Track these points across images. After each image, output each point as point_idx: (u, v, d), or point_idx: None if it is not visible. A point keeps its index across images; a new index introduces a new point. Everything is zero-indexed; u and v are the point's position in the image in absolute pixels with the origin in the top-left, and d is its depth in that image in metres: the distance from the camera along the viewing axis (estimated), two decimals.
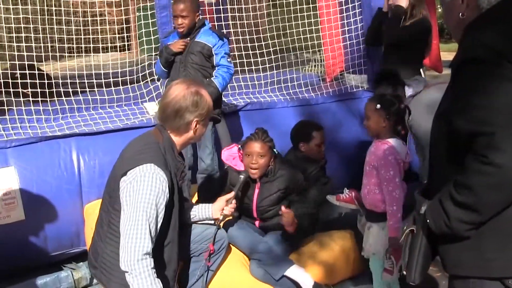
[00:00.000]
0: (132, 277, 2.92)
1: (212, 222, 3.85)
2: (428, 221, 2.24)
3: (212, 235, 3.77)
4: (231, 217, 4.17)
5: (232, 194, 3.92)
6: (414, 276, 2.38)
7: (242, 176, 4.07)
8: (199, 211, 3.86)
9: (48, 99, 5.11)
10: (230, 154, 4.34)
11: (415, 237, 2.37)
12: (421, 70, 6.27)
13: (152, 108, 5.29)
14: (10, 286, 4.31)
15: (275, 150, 4.23)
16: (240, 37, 6.02)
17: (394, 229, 3.59)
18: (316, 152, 4.79)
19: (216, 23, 6.05)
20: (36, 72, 5.11)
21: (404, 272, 2.45)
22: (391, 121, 3.78)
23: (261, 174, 4.14)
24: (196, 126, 3.27)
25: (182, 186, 3.60)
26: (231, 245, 4.19)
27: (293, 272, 3.98)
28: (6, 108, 4.87)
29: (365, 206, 3.90)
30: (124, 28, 6.89)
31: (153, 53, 5.70)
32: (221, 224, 3.94)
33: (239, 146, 4.27)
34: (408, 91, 4.84)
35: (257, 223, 4.35)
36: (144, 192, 2.98)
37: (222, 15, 6.32)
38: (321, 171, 4.85)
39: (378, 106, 3.77)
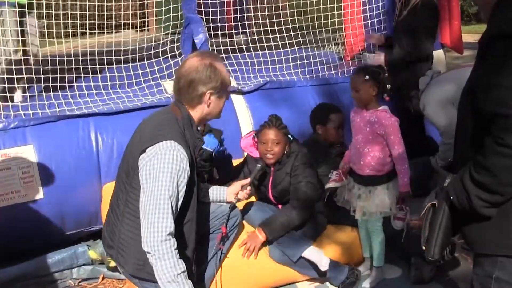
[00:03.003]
0: (155, 258, 2.90)
1: (226, 204, 3.86)
2: (451, 197, 2.23)
3: (226, 214, 3.76)
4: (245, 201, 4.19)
5: (248, 180, 3.93)
6: (433, 251, 2.36)
7: (259, 165, 4.06)
8: (214, 192, 3.87)
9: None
10: (248, 142, 4.32)
11: (437, 212, 2.36)
12: (441, 50, 6.24)
13: (170, 86, 5.25)
14: (28, 261, 4.36)
15: (289, 136, 4.21)
16: (259, 13, 5.96)
17: (407, 184, 3.97)
18: (334, 136, 4.73)
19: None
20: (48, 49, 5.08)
21: (423, 247, 2.43)
22: (379, 90, 4.04)
23: (276, 161, 4.13)
24: (209, 98, 3.23)
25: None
26: (249, 226, 4.22)
27: (310, 252, 3.97)
28: (26, 86, 4.85)
29: (362, 175, 4.08)
30: (145, 4, 6.81)
31: (171, 30, 5.64)
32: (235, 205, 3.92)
33: (254, 134, 4.26)
34: (420, 86, 4.98)
35: (279, 206, 4.35)
36: (165, 170, 2.95)
37: None
38: (341, 157, 4.80)
39: (367, 77, 4.01)
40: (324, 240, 4.32)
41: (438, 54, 5.99)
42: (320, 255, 4.00)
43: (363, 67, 4.33)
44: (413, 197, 4.29)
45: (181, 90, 3.22)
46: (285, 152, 4.15)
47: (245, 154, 4.51)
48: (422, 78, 5.00)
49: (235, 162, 4.71)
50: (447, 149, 4.72)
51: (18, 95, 4.98)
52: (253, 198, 4.45)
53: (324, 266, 3.97)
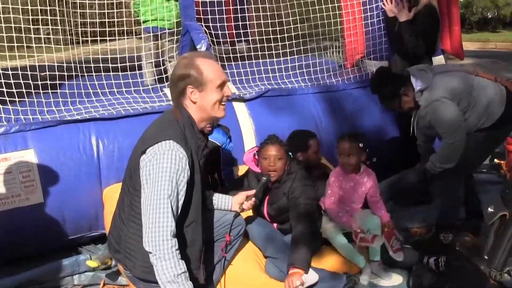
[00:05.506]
0: (156, 258, 2.92)
1: (230, 213, 3.86)
2: None
3: (230, 222, 3.75)
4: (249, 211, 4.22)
5: (253, 191, 3.94)
6: (498, 262, 2.26)
7: (264, 178, 4.06)
8: (219, 201, 3.87)
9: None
10: (250, 157, 4.34)
11: (509, 223, 2.24)
12: (442, 56, 6.24)
13: None
14: (29, 270, 4.36)
15: (290, 153, 4.23)
16: (262, 21, 5.96)
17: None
18: (315, 160, 4.74)
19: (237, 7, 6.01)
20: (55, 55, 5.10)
21: (486, 257, 2.33)
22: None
23: (278, 177, 4.13)
24: (191, 93, 3.20)
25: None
26: (250, 241, 4.22)
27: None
28: (25, 91, 4.85)
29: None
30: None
31: (175, 37, 5.66)
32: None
33: (255, 152, 4.28)
34: (417, 84, 4.67)
35: (275, 225, 4.35)
36: (164, 169, 2.97)
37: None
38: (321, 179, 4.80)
39: (361, 144, 4.34)
40: (323, 250, 4.31)
41: (439, 60, 5.99)
42: (312, 278, 3.95)
43: (351, 133, 4.54)
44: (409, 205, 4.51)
45: (170, 91, 3.29)
46: (286, 170, 4.16)
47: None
48: (422, 74, 4.66)
49: (240, 167, 4.74)
50: (452, 149, 4.59)
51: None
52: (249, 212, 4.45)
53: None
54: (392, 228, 4.36)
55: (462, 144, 4.42)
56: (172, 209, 2.97)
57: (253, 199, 3.90)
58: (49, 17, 5.06)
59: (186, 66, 3.20)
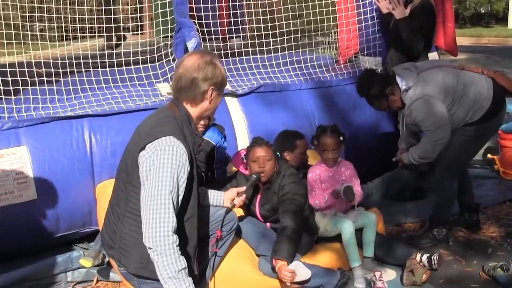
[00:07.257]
0: (156, 254, 2.92)
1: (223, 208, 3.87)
2: None
3: (221, 218, 3.76)
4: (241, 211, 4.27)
5: (244, 188, 3.97)
6: None
7: (254, 176, 4.09)
8: (211, 197, 3.89)
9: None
10: (240, 159, 4.36)
11: None
12: (436, 53, 6.23)
13: (165, 89, 5.25)
14: (23, 267, 4.34)
15: (277, 153, 4.28)
16: (254, 18, 5.95)
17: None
18: (302, 160, 4.74)
19: (230, 4, 5.99)
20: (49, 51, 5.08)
21: None
22: None
23: (268, 178, 4.17)
24: (211, 95, 3.24)
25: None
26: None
27: (296, 268, 3.92)
28: (20, 87, 4.84)
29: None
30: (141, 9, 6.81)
31: (169, 34, 5.63)
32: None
33: (243, 155, 4.31)
34: (402, 84, 4.58)
35: (268, 224, 4.38)
36: (165, 165, 2.97)
37: None
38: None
39: (341, 138, 4.45)
40: (318, 246, 4.35)
41: (433, 57, 5.98)
42: (304, 273, 3.95)
43: (328, 126, 4.57)
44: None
45: (183, 89, 3.22)
46: (275, 169, 4.19)
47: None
48: (407, 72, 4.61)
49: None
50: (435, 146, 4.49)
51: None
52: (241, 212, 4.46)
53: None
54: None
55: (445, 142, 4.43)
56: (173, 204, 2.97)
57: (244, 195, 3.93)
58: (45, 15, 5.05)
59: (210, 67, 3.21)
